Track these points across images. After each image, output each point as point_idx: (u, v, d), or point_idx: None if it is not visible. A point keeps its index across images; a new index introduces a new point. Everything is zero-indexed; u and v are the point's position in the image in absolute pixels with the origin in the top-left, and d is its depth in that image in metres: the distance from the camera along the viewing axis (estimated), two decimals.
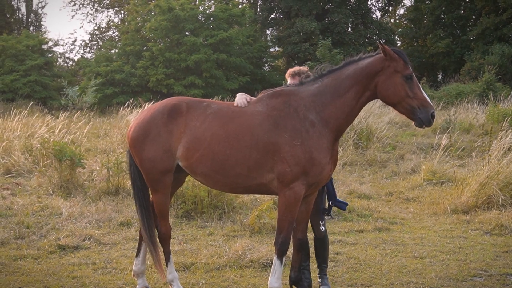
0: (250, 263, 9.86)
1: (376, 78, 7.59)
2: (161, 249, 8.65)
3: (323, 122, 7.63)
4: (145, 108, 22.91)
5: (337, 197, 8.85)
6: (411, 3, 61.02)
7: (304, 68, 8.77)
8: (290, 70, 8.81)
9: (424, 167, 17.34)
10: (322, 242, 8.89)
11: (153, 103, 27.05)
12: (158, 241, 8.62)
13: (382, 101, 7.81)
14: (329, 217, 8.89)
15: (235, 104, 8.09)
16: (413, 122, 7.64)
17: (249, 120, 7.81)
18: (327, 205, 8.78)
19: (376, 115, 25.10)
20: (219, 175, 7.94)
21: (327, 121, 7.65)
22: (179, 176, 8.57)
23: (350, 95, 7.67)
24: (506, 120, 20.59)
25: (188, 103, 8.17)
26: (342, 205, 8.88)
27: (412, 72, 7.55)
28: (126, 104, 30.85)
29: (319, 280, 8.86)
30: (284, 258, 7.84)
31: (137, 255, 8.75)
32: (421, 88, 7.56)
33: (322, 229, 8.75)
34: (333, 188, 8.77)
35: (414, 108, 7.46)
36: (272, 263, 8.02)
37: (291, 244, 8.04)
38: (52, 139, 16.81)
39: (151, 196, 8.59)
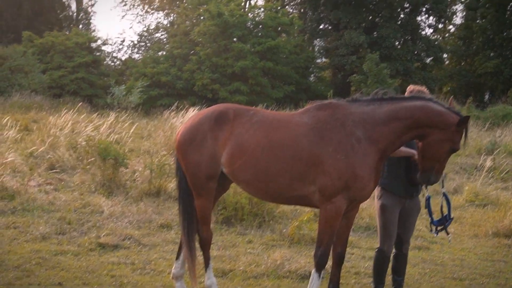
0: (288, 273, 9.84)
1: (432, 130, 7.52)
2: (200, 254, 8.68)
3: (370, 140, 7.59)
4: (190, 111, 23.11)
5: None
6: (462, 21, 60.44)
7: (424, 89, 8.63)
8: (411, 88, 8.74)
9: (467, 188, 17.17)
10: (405, 258, 8.94)
11: (198, 107, 27.27)
12: (198, 246, 8.67)
13: (420, 147, 7.78)
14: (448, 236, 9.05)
15: None
16: (419, 174, 7.84)
17: (294, 131, 7.79)
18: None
19: None
20: (261, 184, 7.95)
21: (376, 140, 7.60)
22: (224, 183, 8.59)
23: (406, 122, 7.59)
24: None
25: (235, 110, 8.20)
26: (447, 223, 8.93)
27: (459, 149, 7.68)
28: (171, 106, 30.99)
29: None
30: (322, 272, 7.81)
31: (177, 258, 8.80)
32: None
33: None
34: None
35: (432, 170, 7.68)
36: (310, 275, 7.99)
37: (330, 257, 8.01)
38: (97, 138, 16.96)
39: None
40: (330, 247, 7.84)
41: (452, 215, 8.89)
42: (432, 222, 8.87)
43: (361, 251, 11.67)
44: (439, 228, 8.80)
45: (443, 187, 8.64)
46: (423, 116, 7.53)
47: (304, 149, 7.64)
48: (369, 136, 7.59)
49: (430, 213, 8.82)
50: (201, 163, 8.14)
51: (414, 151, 8.23)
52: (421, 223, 13.49)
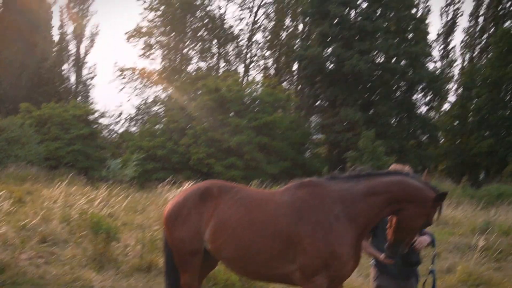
0: None
1: (410, 204, 7.55)
2: None
3: (349, 217, 7.62)
4: (185, 186, 23.10)
5: None
6: (457, 98, 61.01)
7: (407, 168, 8.67)
8: (393, 166, 8.76)
9: (460, 267, 17.08)
10: None
11: (193, 181, 27.27)
12: None
13: (394, 218, 7.76)
14: None
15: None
16: (387, 245, 7.84)
17: (274, 209, 7.89)
18: None
19: None
20: (242, 262, 8.03)
21: (355, 217, 7.64)
22: (210, 260, 8.63)
23: (384, 197, 7.64)
24: None
25: (220, 187, 8.34)
26: None
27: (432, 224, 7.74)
28: (166, 180, 31.02)
29: None
30: None
31: None
32: None
33: None
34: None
35: (402, 242, 7.67)
36: None
37: None
38: (90, 211, 16.94)
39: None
40: None
41: None
42: None
43: None
44: None
45: (433, 263, 8.61)
46: (400, 191, 7.59)
47: (284, 228, 7.70)
48: (347, 213, 7.64)
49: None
50: (185, 239, 8.23)
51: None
52: None
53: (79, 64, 72.93)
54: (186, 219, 8.23)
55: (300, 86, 60.24)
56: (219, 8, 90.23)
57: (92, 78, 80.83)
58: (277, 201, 7.97)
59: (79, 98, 65.56)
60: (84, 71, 73.73)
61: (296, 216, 7.69)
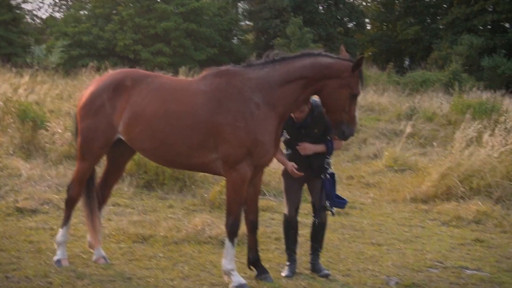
0: (208, 239, 9.82)
1: (328, 81, 7.63)
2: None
3: (269, 105, 7.64)
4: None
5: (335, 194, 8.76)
6: None
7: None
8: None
9: (386, 153, 17.40)
10: (323, 226, 8.87)
11: (120, 68, 26.87)
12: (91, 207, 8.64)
13: (321, 101, 7.91)
14: (331, 214, 8.78)
15: None
16: (333, 130, 7.99)
17: (191, 99, 7.81)
18: (327, 203, 8.59)
19: None
20: (159, 152, 8.04)
21: (274, 104, 7.67)
22: (126, 150, 8.60)
23: (300, 83, 7.69)
24: (469, 111, 20.64)
25: (133, 78, 8.17)
26: (341, 205, 8.81)
27: (360, 93, 7.78)
28: (92, 66, 30.48)
29: (311, 262, 8.85)
30: (235, 240, 7.85)
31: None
32: (356, 108, 7.84)
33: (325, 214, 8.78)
34: (332, 188, 8.60)
35: (342, 122, 7.70)
36: None
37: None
38: (15, 98, 16.60)
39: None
40: (240, 215, 7.88)
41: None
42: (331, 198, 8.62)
43: (281, 215, 11.67)
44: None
45: (324, 173, 8.56)
46: (314, 73, 7.67)
47: (202, 118, 7.66)
48: (267, 101, 7.64)
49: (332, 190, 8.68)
50: (97, 130, 8.13)
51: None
52: (342, 188, 13.65)
53: None
54: (99, 110, 8.09)
55: None
56: None
57: None
58: (194, 91, 7.88)
59: None
60: None
61: (215, 105, 7.63)
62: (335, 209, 8.72)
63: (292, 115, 8.19)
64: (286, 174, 8.66)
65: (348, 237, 10.84)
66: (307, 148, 8.39)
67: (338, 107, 7.65)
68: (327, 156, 8.53)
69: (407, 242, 10.70)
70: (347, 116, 7.69)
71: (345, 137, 7.87)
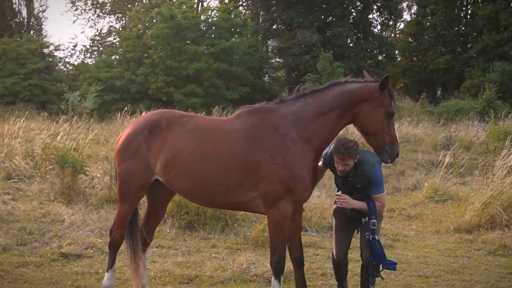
0: (254, 277, 9.79)
1: (360, 105, 7.65)
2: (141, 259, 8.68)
3: (305, 140, 7.62)
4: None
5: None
6: (411, 17, 61.09)
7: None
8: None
9: (426, 184, 17.27)
10: (365, 269, 8.57)
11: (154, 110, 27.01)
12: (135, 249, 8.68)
13: (358, 127, 7.88)
14: (380, 278, 8.54)
15: None
16: (380, 156, 7.87)
17: (226, 139, 7.79)
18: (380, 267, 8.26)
19: None
20: (197, 193, 8.02)
21: (309, 138, 7.64)
22: (166, 191, 8.64)
23: (333, 114, 7.70)
24: (508, 138, 20.46)
25: (168, 119, 8.17)
26: (392, 266, 8.50)
27: (395, 111, 7.75)
28: (126, 110, 30.73)
29: None
30: (282, 277, 7.79)
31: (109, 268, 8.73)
32: (395, 127, 7.84)
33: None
34: (382, 250, 8.33)
35: (384, 144, 7.70)
36: None
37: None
38: (53, 145, 16.76)
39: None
40: (284, 252, 7.80)
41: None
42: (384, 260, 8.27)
43: (326, 251, 11.63)
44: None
45: (368, 231, 8.19)
46: (345, 101, 7.68)
47: (239, 158, 7.63)
48: (302, 136, 7.62)
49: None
50: (134, 172, 8.14)
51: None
52: (384, 222, 13.53)
53: None
54: (135, 153, 8.12)
55: (256, 10, 59.59)
56: None
57: (43, 10, 79.64)
58: (228, 130, 7.86)
59: (32, 32, 64.16)
60: (36, 4, 72.39)
61: (251, 144, 7.62)
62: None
63: (336, 167, 8.07)
64: (336, 213, 8.58)
65: (394, 270, 10.72)
66: (348, 202, 8.14)
67: (377, 128, 7.66)
68: (372, 217, 8.22)
69: (454, 273, 10.55)
70: (388, 137, 7.70)
71: (392, 159, 7.82)
